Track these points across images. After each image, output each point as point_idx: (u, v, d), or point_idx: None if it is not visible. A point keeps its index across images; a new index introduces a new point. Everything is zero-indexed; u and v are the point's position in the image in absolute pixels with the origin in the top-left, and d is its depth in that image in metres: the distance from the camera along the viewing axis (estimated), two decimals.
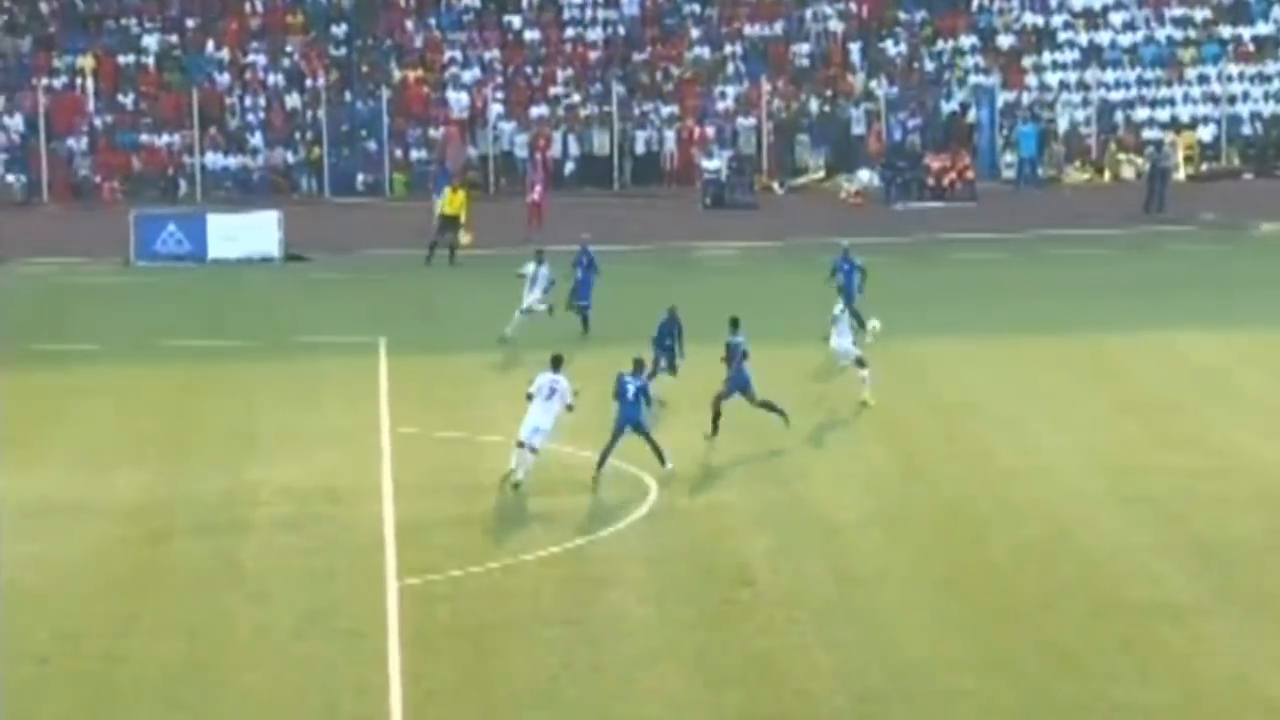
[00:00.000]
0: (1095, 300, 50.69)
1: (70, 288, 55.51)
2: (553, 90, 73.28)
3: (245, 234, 59.77)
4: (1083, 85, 74.56)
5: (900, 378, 41.73)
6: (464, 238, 58.13)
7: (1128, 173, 71.96)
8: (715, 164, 68.98)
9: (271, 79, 72.97)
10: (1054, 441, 36.83)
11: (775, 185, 70.73)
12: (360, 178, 70.32)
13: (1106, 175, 72.54)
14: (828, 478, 34.57)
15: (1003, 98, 73.68)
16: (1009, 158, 72.37)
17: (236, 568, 30.52)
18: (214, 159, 70.42)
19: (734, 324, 37.28)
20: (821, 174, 71.77)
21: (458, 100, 72.48)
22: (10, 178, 69.70)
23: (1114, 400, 40.11)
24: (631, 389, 34.33)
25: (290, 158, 71.10)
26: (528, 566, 30.18)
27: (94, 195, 69.36)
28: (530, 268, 45.57)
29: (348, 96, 72.25)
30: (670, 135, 72.02)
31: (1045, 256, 58.48)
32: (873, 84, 73.86)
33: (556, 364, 34.41)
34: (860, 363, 39.33)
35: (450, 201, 58.29)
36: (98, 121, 71.16)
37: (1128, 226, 63.33)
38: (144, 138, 70.84)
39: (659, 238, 61.65)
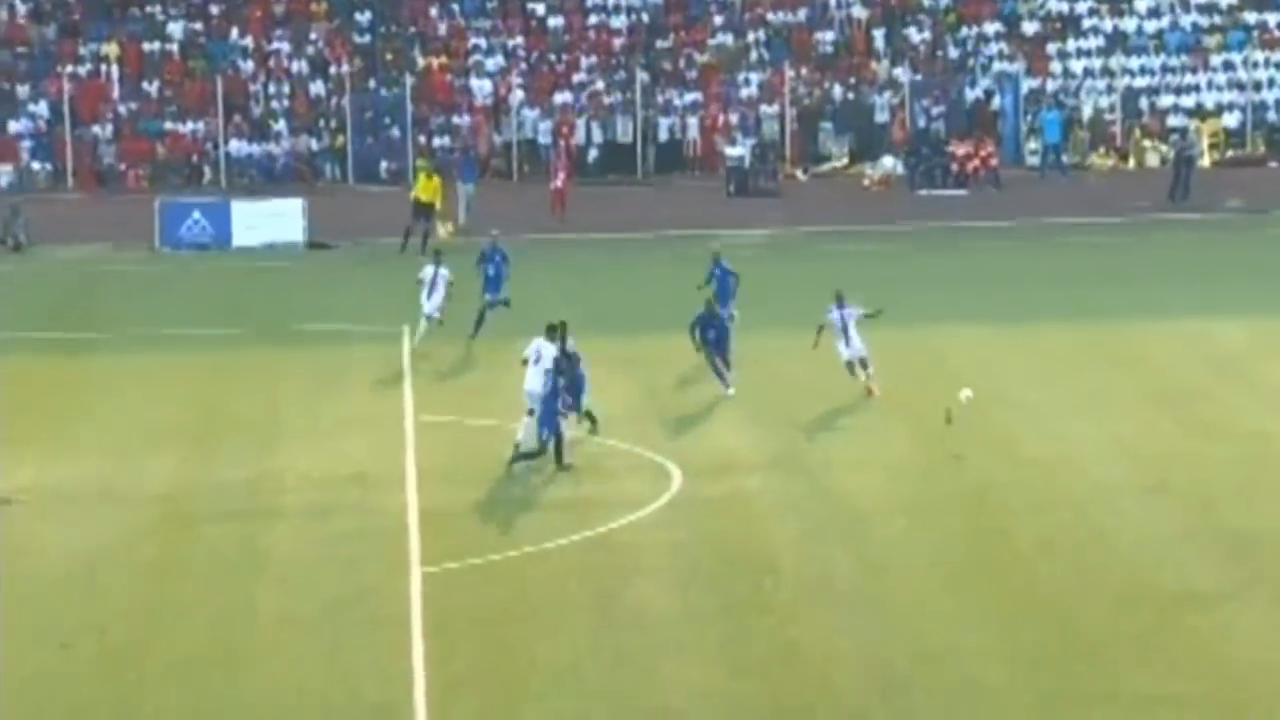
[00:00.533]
0: (1120, 288, 50.55)
1: (95, 275, 55.57)
2: (576, 77, 73.22)
3: (269, 221, 59.81)
4: (1107, 72, 74.33)
5: (924, 365, 41.63)
6: (442, 230, 57.65)
7: (1152, 160, 71.75)
8: (739, 151, 68.90)
9: (295, 66, 72.98)
10: (1079, 429, 36.71)
11: (799, 172, 70.62)
12: (384, 165, 70.31)
13: (1131, 162, 72.32)
14: (851, 466, 34.48)
15: (1027, 84, 73.48)
16: (1033, 145, 72.19)
17: (261, 555, 30.54)
18: (238, 146, 70.45)
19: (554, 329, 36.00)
20: (845, 161, 71.64)
21: (481, 88, 72.44)
22: (36, 165, 69.80)
23: (1139, 388, 39.98)
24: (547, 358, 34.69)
25: (314, 145, 71.11)
26: (551, 554, 30.15)
27: (119, 182, 69.44)
28: (428, 271, 43.29)
29: (371, 84, 72.25)
30: (694, 122, 71.93)
31: (1070, 244, 58.33)
32: (896, 71, 73.70)
33: (551, 332, 34.84)
34: (863, 363, 38.90)
35: (424, 188, 57.96)
36: (122, 109, 71.23)
37: (1153, 213, 63.13)
38: (168, 125, 70.90)
39: (682, 225, 61.58)
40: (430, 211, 57.44)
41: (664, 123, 71.87)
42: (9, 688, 25.38)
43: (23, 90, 71.31)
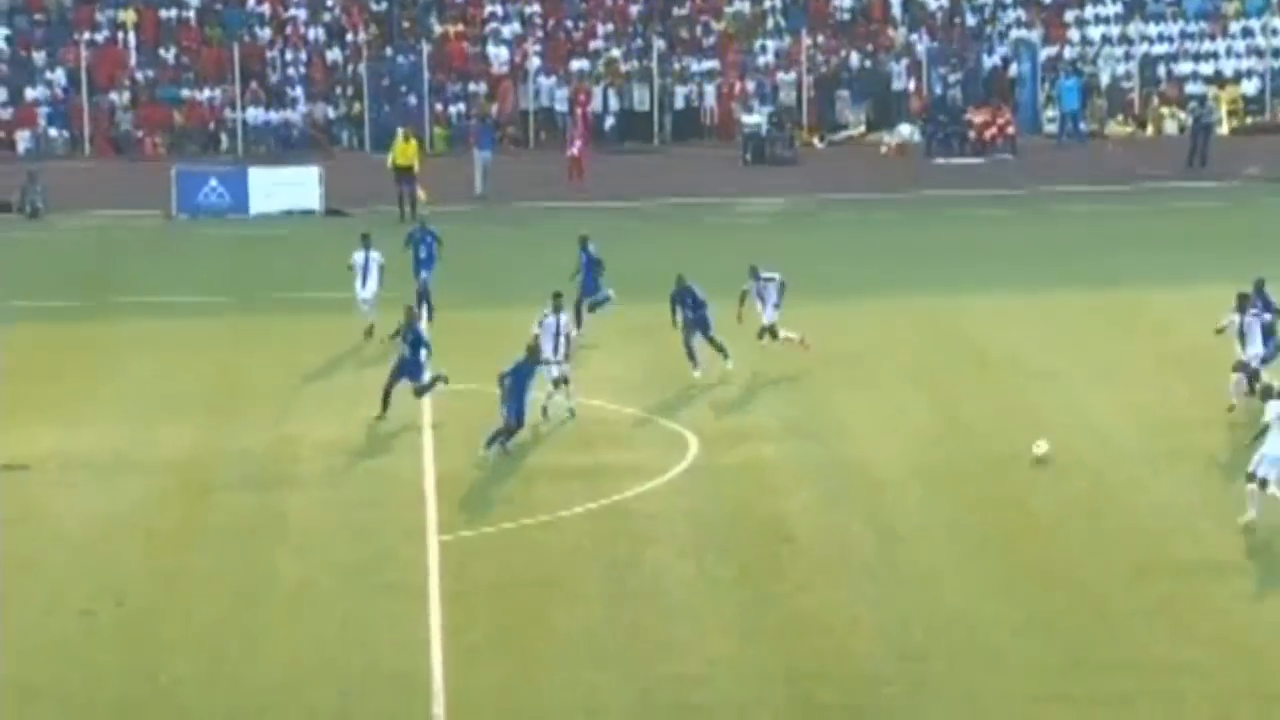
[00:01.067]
0: (1138, 255, 50.44)
1: (112, 242, 55.61)
2: (593, 45, 73.08)
3: (286, 188, 59.83)
4: (1125, 39, 74.08)
5: (941, 332, 41.61)
6: (421, 193, 57.66)
7: (1170, 127, 71.54)
8: (755, 119, 68.77)
9: (312, 34, 72.90)
10: (1096, 397, 36.68)
11: (816, 140, 70.49)
12: (400, 132, 70.24)
13: (1149, 130, 72.12)
14: (868, 434, 34.47)
15: (1044, 52, 73.26)
16: (1051, 112, 71.99)
17: (279, 522, 30.60)
18: (255, 114, 70.42)
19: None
20: (862, 129, 71.51)
21: (498, 55, 72.33)
22: (53, 132, 69.81)
23: (1157, 356, 39.92)
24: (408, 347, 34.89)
25: (331, 112, 71.06)
26: (568, 522, 30.19)
27: (136, 149, 69.44)
28: (358, 256, 41.56)
29: (388, 51, 72.16)
30: (710, 90, 71.79)
31: (1087, 212, 58.18)
32: (914, 38, 73.51)
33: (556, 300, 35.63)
34: (774, 333, 38.49)
35: (402, 152, 57.92)
36: (139, 76, 71.20)
37: (1170, 181, 62.98)
38: (185, 92, 70.86)
39: (699, 193, 61.53)
40: (410, 175, 57.36)
41: (681, 91, 71.72)
42: (28, 654, 25.48)
43: (39, 57, 71.30)
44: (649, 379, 37.69)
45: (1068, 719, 23.15)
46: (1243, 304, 35.51)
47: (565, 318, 36.06)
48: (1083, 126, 70.98)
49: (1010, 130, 68.62)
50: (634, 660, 24.96)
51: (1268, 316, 35.57)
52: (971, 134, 68.48)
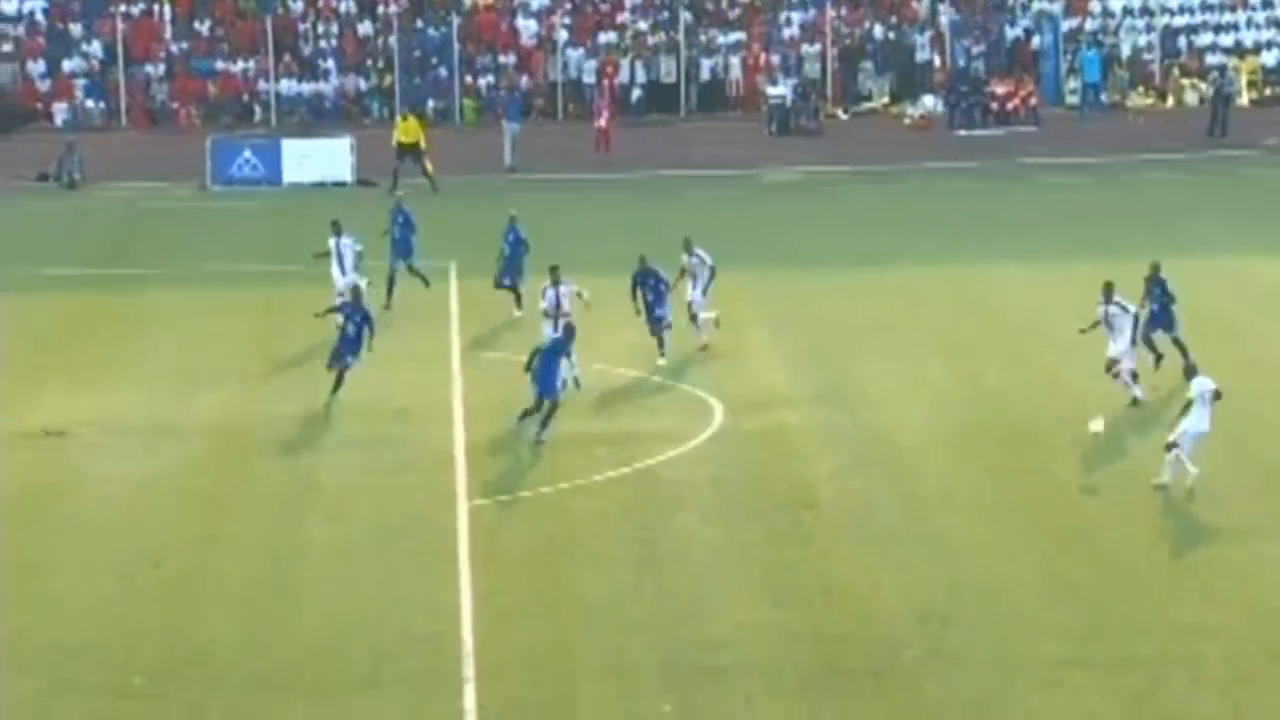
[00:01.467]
0: (1158, 224, 50.26)
1: (148, 212, 55.69)
2: (620, 18, 72.94)
3: (318, 159, 59.89)
4: (1146, 11, 73.78)
5: (963, 301, 41.52)
6: (428, 166, 57.53)
7: (1191, 98, 71.25)
8: (780, 90, 68.62)
9: (344, 7, 72.85)
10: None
11: (840, 111, 70.32)
12: (431, 104, 70.20)
13: (1170, 100, 71.84)
14: (891, 401, 34.42)
15: (1066, 24, 73.00)
16: (1073, 83, 71.74)
17: (312, 487, 30.66)
18: (288, 85, 70.43)
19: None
20: (886, 100, 71.32)
21: (527, 28, 72.25)
22: (90, 104, 69.90)
23: (1182, 323, 39.72)
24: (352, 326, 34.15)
25: (362, 84, 71.05)
26: (596, 488, 30.20)
27: (171, 121, 69.51)
28: (330, 243, 40.16)
29: (419, 24, 72.09)
30: (736, 62, 71.64)
31: (1108, 181, 58.01)
32: (937, 10, 73.26)
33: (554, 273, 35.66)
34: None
35: (404, 130, 58.05)
36: (174, 48, 71.23)
37: (1191, 151, 62.76)
38: (220, 65, 70.89)
39: (725, 164, 61.44)
40: (415, 151, 57.49)
41: (706, 63, 71.58)
42: (69, 616, 25.58)
43: (76, 30, 71.38)
44: (675, 347, 37.65)
45: (1089, 682, 23.12)
46: (1108, 294, 33.74)
47: (564, 289, 35.76)
48: (1104, 98, 70.74)
49: (1033, 101, 68.42)
50: (661, 623, 24.98)
51: (1131, 308, 33.94)
52: (994, 105, 68.27)
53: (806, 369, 36.55)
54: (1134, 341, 34.03)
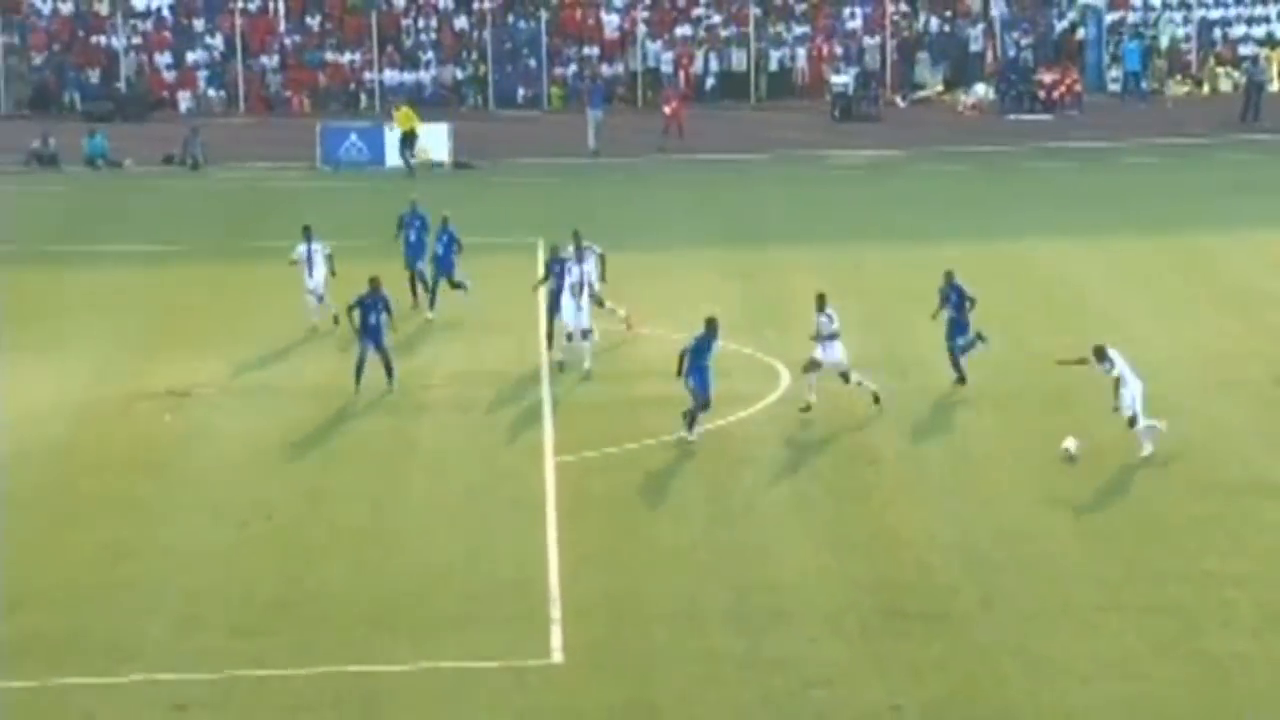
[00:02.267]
0: (1194, 203, 49.84)
1: (263, 191, 55.90)
2: (695, 12, 72.71)
3: (418, 143, 59.93)
4: (1184, 4, 73.04)
5: (1013, 274, 41.23)
6: (422, 155, 57.82)
7: (1225, 85, 70.54)
8: (843, 79, 68.29)
9: (442, 2, 72.87)
10: (1154, 333, 36.27)
11: (898, 99, 69.93)
12: (521, 92, 70.20)
13: (1205, 88, 71.13)
14: (944, 366, 34.18)
15: (1109, 16, 72.36)
16: (1114, 72, 71.14)
17: (410, 443, 30.75)
18: (391, 75, 70.52)
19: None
20: (940, 88, 70.87)
21: (610, 21, 72.10)
22: (211, 92, 70.23)
23: (1211, 294, 39.45)
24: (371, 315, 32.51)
25: (459, 74, 71.07)
26: (672, 446, 30.15)
27: (284, 108, 69.71)
28: (300, 250, 37.59)
29: (510, 18, 72.05)
30: (802, 53, 71.32)
31: (1147, 163, 57.49)
32: (989, 4, 72.73)
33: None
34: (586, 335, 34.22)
35: (404, 119, 58.13)
36: (288, 41, 71.45)
37: (1224, 135, 62.16)
38: (329, 56, 71.04)
39: (791, 147, 61.21)
40: (411, 138, 57.68)
41: (775, 54, 71.28)
42: (192, 560, 25.75)
43: (199, 24, 71.70)
44: (745, 316, 37.55)
45: (1125, 626, 22.98)
46: (820, 305, 31.23)
47: (587, 267, 34.39)
48: (1144, 85, 70.11)
49: (1077, 89, 67.87)
50: (731, 570, 24.96)
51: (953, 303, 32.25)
52: (1041, 93, 67.76)
53: (867, 337, 36.35)
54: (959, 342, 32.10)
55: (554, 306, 34.88)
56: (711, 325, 30.42)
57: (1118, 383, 28.81)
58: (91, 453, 30.35)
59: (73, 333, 37.80)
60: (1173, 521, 26.41)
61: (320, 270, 37.41)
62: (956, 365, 32.75)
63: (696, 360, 30.16)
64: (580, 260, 34.80)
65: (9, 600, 24.25)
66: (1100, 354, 29.21)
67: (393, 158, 59.36)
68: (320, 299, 37.23)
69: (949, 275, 33.21)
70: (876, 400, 31.35)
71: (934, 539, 25.86)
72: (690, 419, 30.12)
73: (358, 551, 25.94)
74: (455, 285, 38.57)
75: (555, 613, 23.54)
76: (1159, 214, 48.24)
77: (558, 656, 22.39)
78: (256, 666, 22.28)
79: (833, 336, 31.16)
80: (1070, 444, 28.94)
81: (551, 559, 25.31)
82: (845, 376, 31.53)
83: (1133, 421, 28.74)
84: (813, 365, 31.30)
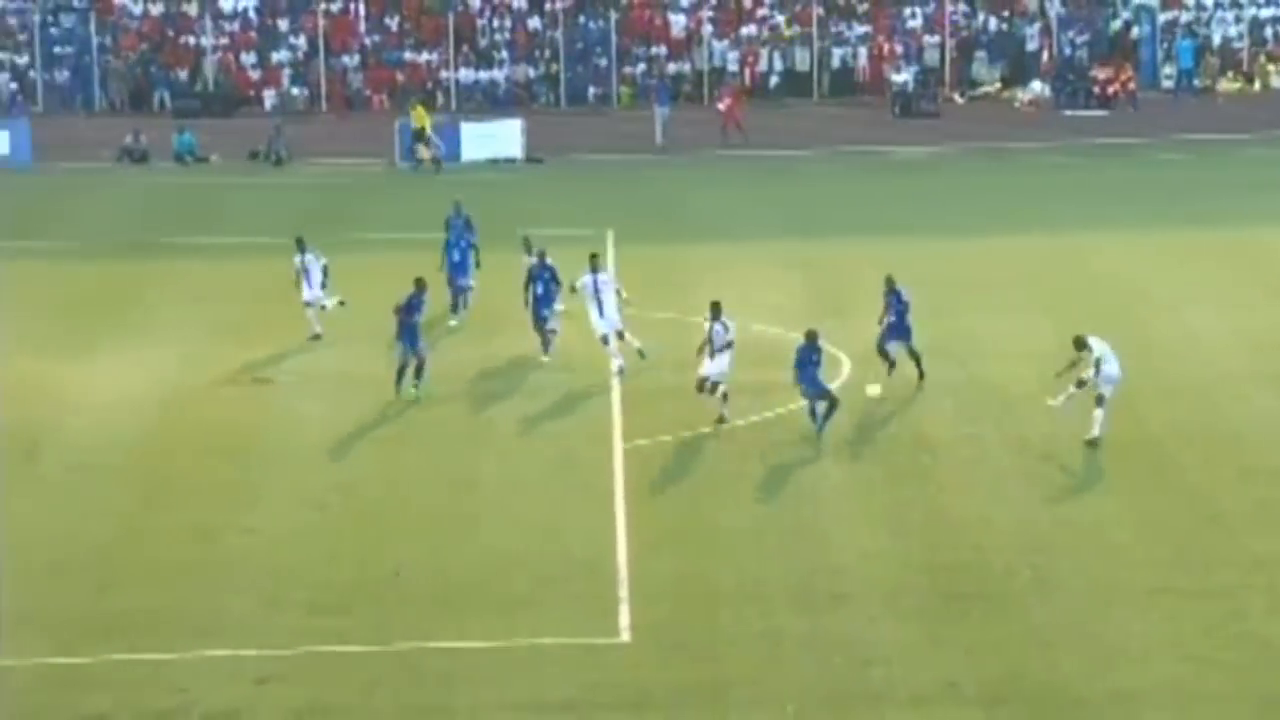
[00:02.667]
0: (1247, 196, 49.40)
1: (344, 185, 56.16)
2: (760, 12, 72.57)
3: (493, 139, 60.14)
4: (1236, 4, 72.41)
5: (1068, 264, 40.99)
6: (424, 152, 57.79)
7: (1276, 82, 69.95)
8: (903, 77, 68.09)
9: (516, 3, 72.98)
10: (1205, 322, 36.01)
11: (956, 96, 69.61)
12: (591, 90, 70.25)
13: (1257, 85, 70.53)
14: (1000, 356, 34.06)
15: (1163, 16, 71.83)
16: (1168, 70, 70.63)
17: (485, 428, 30.82)
18: (466, 74, 70.69)
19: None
20: (998, 85, 70.52)
21: (677, 22, 72.03)
22: (294, 90, 70.57)
23: (1261, 285, 39.12)
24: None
25: (531, 73, 71.19)
26: (737, 432, 30.13)
27: (364, 105, 70.00)
28: (296, 260, 36.29)
29: (581, 19, 72.09)
30: (864, 52, 71.09)
31: (1200, 158, 57.03)
32: (1045, 4, 72.29)
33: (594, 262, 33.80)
34: (619, 335, 33.58)
35: (418, 116, 58.42)
36: (368, 41, 71.72)
37: (1276, 130, 61.57)
38: (407, 55, 71.29)
39: (854, 143, 61.02)
40: (423, 133, 57.95)
41: (837, 52, 71.07)
42: (277, 540, 25.90)
43: (283, 25, 72.04)
44: (808, 306, 37.47)
45: (1176, 609, 22.83)
46: (715, 313, 30.05)
47: (604, 276, 33.94)
48: (1196, 83, 69.58)
49: (1132, 86, 67.44)
50: (793, 552, 24.92)
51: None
52: (1096, 90, 67.35)
53: (926, 326, 36.19)
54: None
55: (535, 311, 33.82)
56: (810, 337, 29.63)
57: (1099, 362, 28.64)
58: (180, 437, 30.56)
59: (162, 322, 38.07)
60: (1223, 506, 26.21)
61: (316, 281, 36.31)
62: (886, 356, 31.63)
63: (802, 371, 29.61)
64: (594, 271, 33.66)
65: (103, 578, 24.48)
66: (1080, 343, 29.08)
67: (469, 152, 59.55)
68: (323, 308, 36.25)
69: (890, 280, 32.15)
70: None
71: (990, 522, 25.75)
72: (818, 418, 29.33)
73: (433, 532, 26.04)
74: (459, 290, 37.51)
75: (623, 593, 23.56)
76: (1212, 207, 47.86)
77: (625, 636, 22.42)
78: (336, 643, 22.39)
79: (727, 346, 30.07)
80: (872, 389, 30.15)
81: (620, 541, 25.33)
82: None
83: (1100, 400, 28.52)
84: (701, 383, 29.98)
